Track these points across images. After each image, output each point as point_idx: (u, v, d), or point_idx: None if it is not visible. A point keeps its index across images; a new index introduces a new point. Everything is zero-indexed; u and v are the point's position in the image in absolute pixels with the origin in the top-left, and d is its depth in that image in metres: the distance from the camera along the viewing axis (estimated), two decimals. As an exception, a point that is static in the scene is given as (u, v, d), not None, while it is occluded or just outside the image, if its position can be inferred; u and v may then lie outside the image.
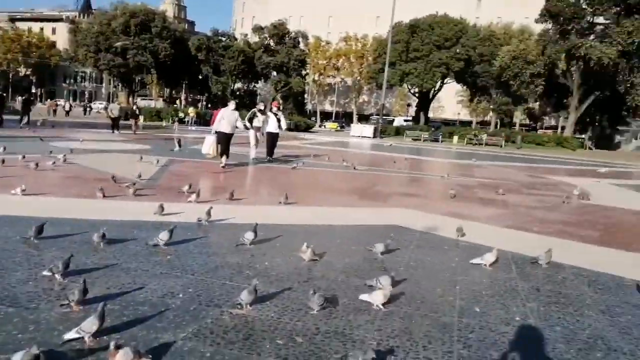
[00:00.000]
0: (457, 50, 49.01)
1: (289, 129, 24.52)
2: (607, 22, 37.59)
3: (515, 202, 9.42)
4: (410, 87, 55.61)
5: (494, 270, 4.76)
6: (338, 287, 4.05)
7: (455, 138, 38.69)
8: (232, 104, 12.45)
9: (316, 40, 71.01)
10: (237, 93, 61.46)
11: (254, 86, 66.63)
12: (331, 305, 3.59)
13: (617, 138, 46.45)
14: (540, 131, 57.74)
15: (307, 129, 44.25)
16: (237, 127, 12.27)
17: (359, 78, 73.95)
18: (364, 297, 3.71)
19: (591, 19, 38.74)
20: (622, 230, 7.63)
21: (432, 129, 43.71)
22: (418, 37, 49.80)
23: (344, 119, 74.71)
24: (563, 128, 47.86)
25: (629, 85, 37.12)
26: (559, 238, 6.38)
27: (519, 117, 67.54)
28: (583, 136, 46.06)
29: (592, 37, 37.98)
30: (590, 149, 40.91)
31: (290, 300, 3.67)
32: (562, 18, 38.39)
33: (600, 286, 4.51)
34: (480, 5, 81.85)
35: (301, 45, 62.03)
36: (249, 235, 4.95)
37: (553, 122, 69.78)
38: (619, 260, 5.48)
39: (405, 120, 59.11)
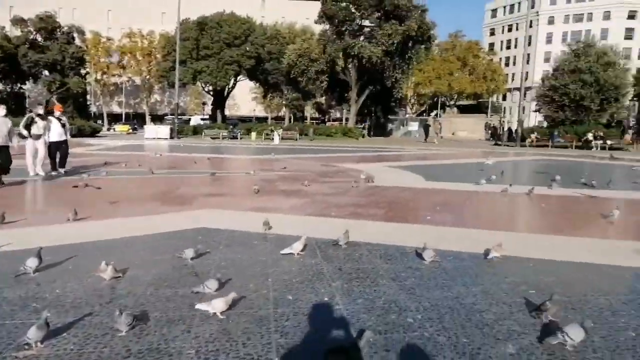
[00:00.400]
0: (247, 48, 50.23)
1: (71, 135, 21.81)
2: (372, 25, 43.09)
3: (313, 191, 10.14)
4: (204, 86, 55.01)
5: (302, 257, 5.05)
6: (147, 301, 3.79)
7: (254, 134, 39.79)
8: (1, 110, 10.55)
9: (95, 36, 64.86)
10: None
11: (21, 88, 57.41)
12: (142, 322, 3.34)
13: (390, 126, 53.99)
14: (328, 123, 63.28)
15: (94, 133, 40.17)
16: (10, 141, 10.62)
17: (148, 77, 70.23)
18: (201, 306, 3.55)
19: (360, 22, 43.84)
20: (400, 206, 8.87)
21: (230, 126, 44.08)
22: (207, 34, 49.46)
23: (136, 120, 70.23)
24: (347, 119, 53.25)
25: (394, 80, 43.33)
26: (353, 219, 7.09)
27: (309, 111, 73.03)
28: (363, 126, 52.27)
29: (362, 38, 43.04)
30: (366, 136, 46.46)
31: (92, 327, 3.29)
32: (337, 20, 42.55)
33: (389, 257, 5.17)
34: (265, 5, 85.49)
35: (77, 42, 55.72)
36: (32, 262, 4.27)
37: (339, 115, 77.15)
38: (400, 232, 6.36)
39: (202, 119, 58.39)
